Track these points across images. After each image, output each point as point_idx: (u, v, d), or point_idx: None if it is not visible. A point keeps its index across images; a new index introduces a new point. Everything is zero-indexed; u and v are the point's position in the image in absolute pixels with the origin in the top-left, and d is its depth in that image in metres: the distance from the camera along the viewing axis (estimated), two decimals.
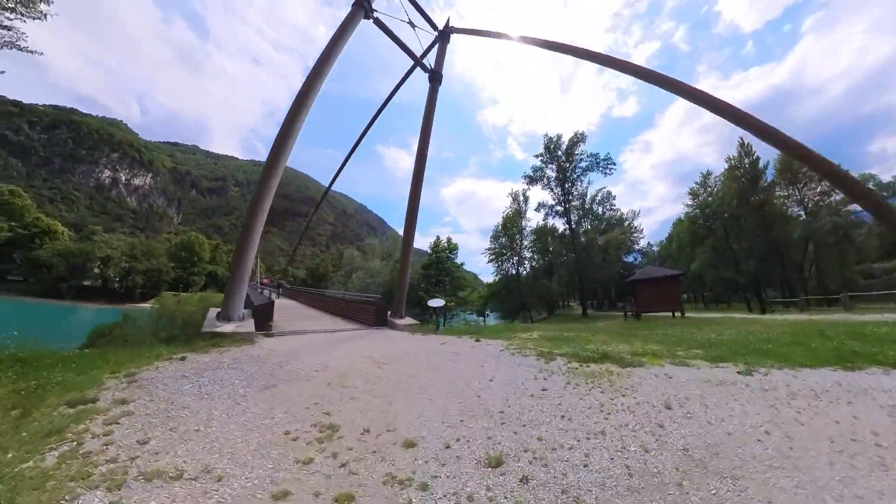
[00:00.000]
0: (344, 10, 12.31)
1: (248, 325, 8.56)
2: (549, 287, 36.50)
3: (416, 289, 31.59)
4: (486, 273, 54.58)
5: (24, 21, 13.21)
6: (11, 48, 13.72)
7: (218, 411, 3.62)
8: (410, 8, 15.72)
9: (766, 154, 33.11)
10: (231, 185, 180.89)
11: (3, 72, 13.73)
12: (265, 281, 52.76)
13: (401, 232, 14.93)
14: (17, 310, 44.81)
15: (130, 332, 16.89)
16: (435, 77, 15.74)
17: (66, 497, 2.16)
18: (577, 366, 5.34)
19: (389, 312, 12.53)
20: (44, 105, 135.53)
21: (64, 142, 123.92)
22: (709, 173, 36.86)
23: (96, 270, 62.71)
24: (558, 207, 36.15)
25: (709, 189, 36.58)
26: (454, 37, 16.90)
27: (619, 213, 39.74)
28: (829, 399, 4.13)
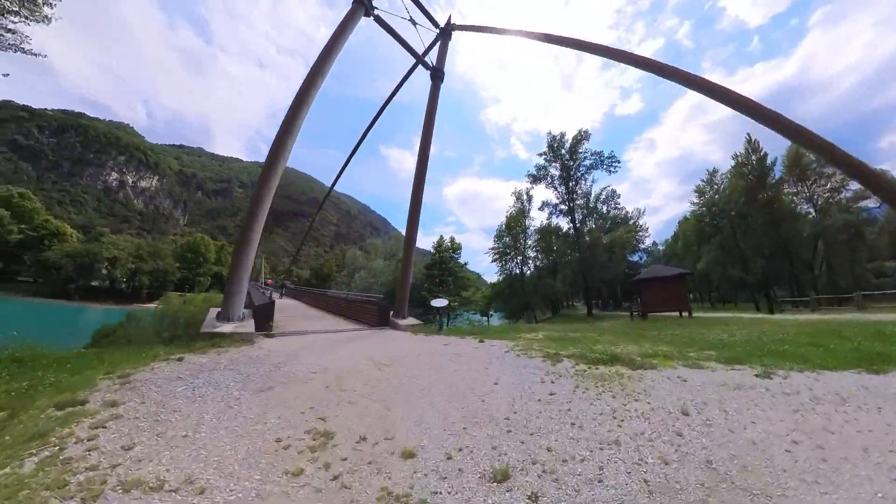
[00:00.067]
0: (345, 11, 12.18)
1: (248, 326, 8.44)
2: (554, 287, 36.14)
3: (420, 288, 31.41)
4: (490, 273, 54.32)
5: (28, 24, 13.25)
6: (16, 51, 13.78)
7: (209, 415, 3.46)
8: (412, 6, 15.55)
9: (774, 150, 32.49)
10: (236, 187, 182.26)
11: (6, 74, 13.76)
12: (269, 281, 52.94)
13: (404, 232, 14.77)
14: (27, 310, 45.42)
15: (134, 332, 16.93)
16: (437, 74, 15.57)
17: None
18: (585, 368, 5.11)
19: (392, 312, 12.37)
20: (53, 110, 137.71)
21: (72, 145, 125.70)
22: (715, 170, 36.27)
23: (104, 271, 63.41)
24: (562, 206, 35.77)
25: (715, 187, 35.96)
26: (456, 35, 16.72)
27: (623, 212, 39.32)
28: (857, 404, 3.86)
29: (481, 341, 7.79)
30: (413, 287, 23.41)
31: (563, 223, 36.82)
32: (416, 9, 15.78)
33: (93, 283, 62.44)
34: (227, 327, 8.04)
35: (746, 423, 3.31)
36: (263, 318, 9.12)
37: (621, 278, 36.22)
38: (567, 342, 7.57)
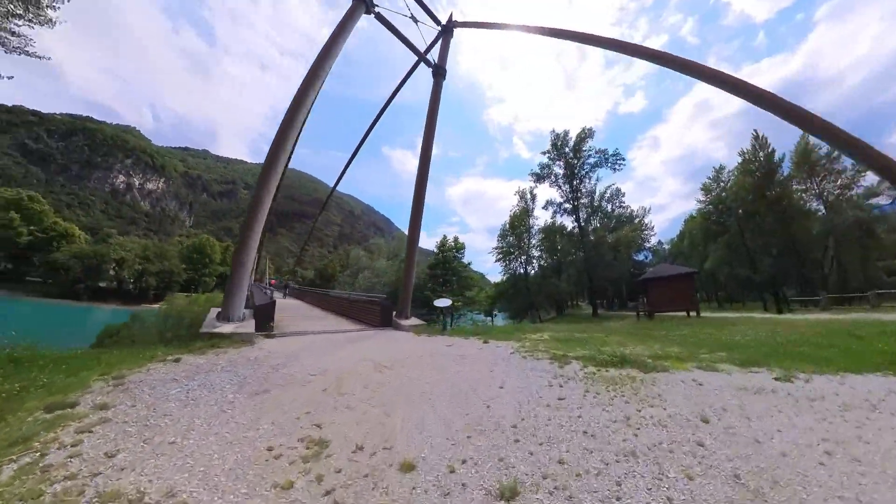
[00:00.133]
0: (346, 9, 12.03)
1: (248, 326, 8.31)
2: (558, 286, 35.76)
3: (423, 288, 31.25)
4: (494, 273, 54.01)
5: (32, 27, 13.29)
6: (20, 53, 13.84)
7: (200, 420, 3.31)
8: (413, 3, 15.40)
9: (782, 147, 31.84)
10: (240, 188, 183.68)
11: (11, 77, 13.82)
12: (273, 282, 53.13)
13: (407, 232, 14.61)
14: (36, 310, 45.99)
15: (138, 332, 16.93)
16: (439, 72, 15.39)
17: None
18: (594, 371, 4.89)
19: (395, 313, 12.21)
20: (61, 114, 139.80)
21: (80, 149, 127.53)
22: (722, 168, 35.68)
23: (111, 272, 64.09)
24: (566, 205, 35.37)
25: (722, 184, 35.37)
26: (458, 35, 16.55)
27: (628, 211, 38.80)
28: (891, 411, 3.61)
29: (486, 342, 7.59)
30: (416, 287, 23.24)
31: (568, 222, 36.46)
32: (418, 6, 15.62)
33: (100, 284, 63.14)
34: (227, 328, 7.92)
35: (772, 431, 3.08)
36: (264, 319, 9.01)
37: (626, 278, 35.75)
38: (574, 343, 7.34)
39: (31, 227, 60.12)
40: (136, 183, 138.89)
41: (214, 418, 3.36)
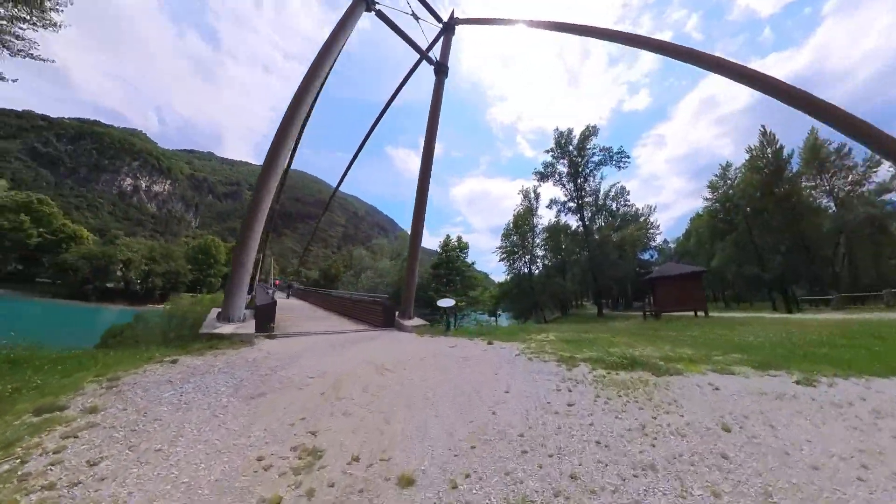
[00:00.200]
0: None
1: (249, 327, 8.20)
2: (563, 286, 35.43)
3: (426, 288, 31.11)
4: (498, 273, 53.74)
5: (36, 30, 13.34)
6: (25, 56, 13.90)
7: (191, 425, 3.16)
8: (414, 1, 15.23)
9: (791, 143, 31.22)
10: (245, 190, 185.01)
11: (16, 80, 13.90)
12: (276, 282, 53.33)
13: (410, 231, 14.45)
14: (46, 310, 46.63)
15: (141, 332, 16.97)
16: (441, 69, 15.21)
17: None
18: (604, 374, 4.67)
19: (397, 313, 12.06)
20: (70, 118, 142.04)
21: (88, 152, 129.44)
22: (729, 165, 35.08)
23: (118, 273, 64.78)
24: (571, 204, 35.02)
25: (729, 182, 34.78)
26: (459, 34, 16.36)
27: (633, 209, 38.34)
28: None
29: (490, 343, 7.39)
30: (420, 287, 23.09)
31: (572, 221, 36.11)
32: (419, 4, 15.46)
33: (108, 285, 63.85)
34: (226, 328, 7.81)
35: (800, 441, 2.85)
36: (264, 319, 8.90)
37: (632, 277, 35.30)
38: (581, 344, 7.11)
39: (41, 229, 61.03)
40: (143, 185, 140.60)
41: (205, 424, 3.21)
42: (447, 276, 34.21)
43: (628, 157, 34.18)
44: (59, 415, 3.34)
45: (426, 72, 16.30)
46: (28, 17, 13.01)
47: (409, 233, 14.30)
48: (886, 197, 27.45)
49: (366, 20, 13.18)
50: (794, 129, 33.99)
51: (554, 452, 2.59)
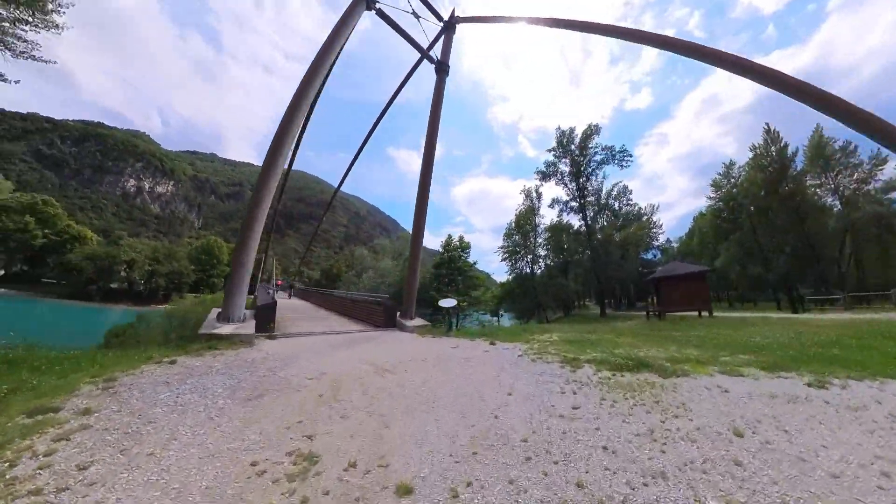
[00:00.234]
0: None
1: (249, 327, 8.14)
2: (565, 286, 35.21)
3: (428, 288, 30.99)
4: (500, 273, 53.57)
5: (38, 32, 13.38)
6: (27, 58, 13.95)
7: (185, 428, 3.09)
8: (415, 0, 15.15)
9: (795, 141, 30.84)
10: (247, 190, 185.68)
11: (18, 81, 13.96)
12: (279, 282, 53.45)
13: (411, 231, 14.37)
14: (52, 310, 46.96)
15: (143, 332, 16.98)
16: (442, 68, 15.13)
17: None
18: (609, 375, 4.56)
19: (399, 313, 11.98)
20: (74, 120, 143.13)
21: (92, 154, 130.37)
22: (732, 163, 34.75)
23: (122, 273, 65.14)
24: (573, 203, 34.79)
25: (733, 180, 34.45)
26: (460, 34, 16.29)
27: (636, 208, 38.03)
28: None
29: (492, 344, 7.29)
30: (421, 287, 22.98)
31: (574, 220, 35.87)
32: (420, 2, 15.38)
33: (112, 285, 64.22)
34: (226, 328, 7.76)
35: (816, 447, 2.73)
36: (264, 320, 8.83)
37: (635, 277, 35.05)
38: (585, 345, 7.00)
39: (46, 231, 61.52)
40: (147, 186, 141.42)
41: (200, 427, 3.13)
42: (449, 276, 34.08)
43: (631, 155, 33.95)
44: (52, 416, 3.29)
45: (427, 71, 16.23)
46: (30, 20, 13.06)
47: (411, 234, 14.23)
48: (893, 195, 27.09)
49: (367, 21, 13.14)
50: (797, 128, 33.60)
51: (559, 459, 2.48)
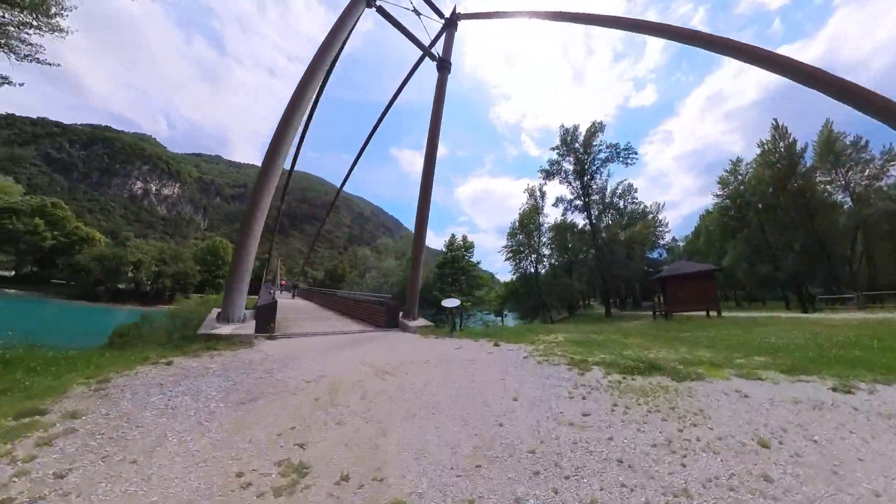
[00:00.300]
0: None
1: (248, 327, 8.03)
2: (570, 285, 34.84)
3: (431, 288, 30.80)
4: (504, 273, 53.19)
5: (43, 35, 13.43)
6: (31, 61, 14.02)
7: (173, 434, 2.94)
8: None
9: (804, 137, 30.21)
10: (252, 191, 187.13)
11: (22, 84, 14.05)
12: (283, 282, 53.64)
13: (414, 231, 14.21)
14: (61, 310, 47.56)
15: (147, 332, 17.01)
16: (443, 65, 14.95)
17: None
18: (619, 379, 4.33)
19: (401, 313, 11.81)
20: (82, 125, 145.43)
21: (100, 157, 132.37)
22: (739, 160, 34.08)
23: (129, 274, 65.82)
24: (577, 202, 34.41)
25: (740, 177, 33.80)
26: (461, 32, 16.09)
27: (641, 207, 37.50)
28: None
29: (496, 345, 7.08)
30: (424, 287, 22.81)
31: (579, 219, 35.48)
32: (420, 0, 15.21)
33: (119, 286, 64.92)
34: (226, 329, 7.65)
35: (850, 459, 2.50)
36: (264, 320, 8.72)
37: (640, 276, 34.54)
38: (591, 346, 6.76)
39: (55, 232, 62.42)
40: (153, 188, 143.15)
41: (188, 432, 2.98)
42: (452, 276, 33.86)
43: (636, 153, 33.50)
44: (38, 419, 3.16)
45: (429, 71, 16.05)
46: (34, 23, 13.10)
47: (414, 233, 14.07)
48: None
49: (368, 21, 13.02)
50: (805, 122, 32.93)
51: (570, 473, 2.27)
